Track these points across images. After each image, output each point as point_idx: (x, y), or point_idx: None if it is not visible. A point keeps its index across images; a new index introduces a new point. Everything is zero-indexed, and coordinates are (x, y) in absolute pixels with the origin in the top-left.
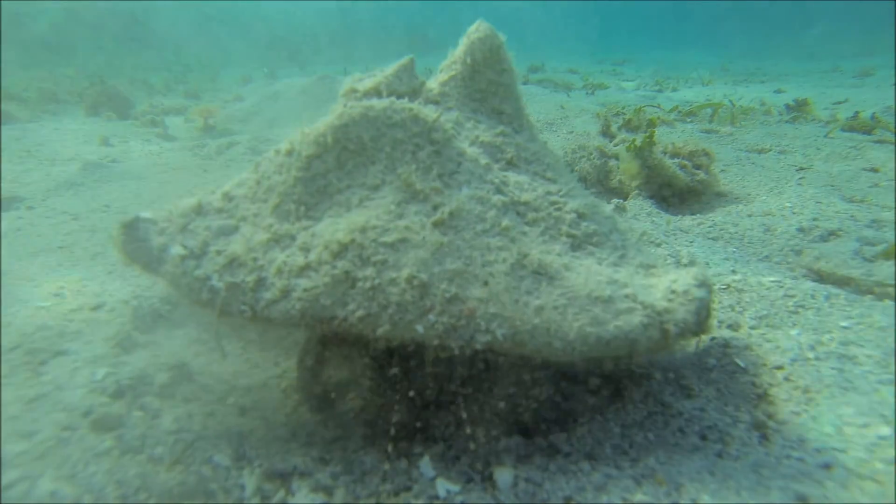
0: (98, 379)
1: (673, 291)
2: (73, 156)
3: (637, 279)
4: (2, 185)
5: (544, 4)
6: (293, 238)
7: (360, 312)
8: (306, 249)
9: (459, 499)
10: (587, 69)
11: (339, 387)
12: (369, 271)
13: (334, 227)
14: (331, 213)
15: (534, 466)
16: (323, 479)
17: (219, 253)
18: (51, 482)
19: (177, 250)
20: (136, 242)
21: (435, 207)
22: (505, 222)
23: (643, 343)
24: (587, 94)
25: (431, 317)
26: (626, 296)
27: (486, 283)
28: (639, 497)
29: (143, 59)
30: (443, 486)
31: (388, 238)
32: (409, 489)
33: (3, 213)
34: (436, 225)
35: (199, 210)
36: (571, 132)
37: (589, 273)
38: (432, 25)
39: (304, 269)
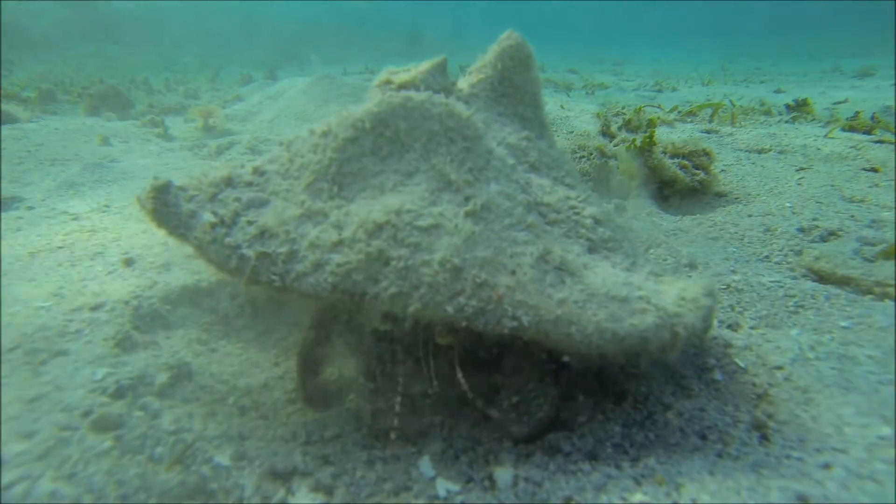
0: (98, 379)
1: (683, 298)
2: (73, 156)
3: (649, 284)
4: (2, 185)
5: (545, 4)
6: (326, 215)
7: (392, 290)
8: (339, 227)
9: (459, 499)
10: (587, 69)
11: (338, 387)
12: (403, 251)
13: (369, 208)
14: (364, 195)
15: (534, 466)
16: (323, 479)
17: (250, 223)
18: (51, 482)
19: (207, 217)
20: (165, 207)
21: (467, 198)
22: (530, 219)
23: (654, 343)
24: (587, 94)
25: (462, 299)
26: (641, 297)
27: (513, 273)
28: (639, 497)
29: (143, 59)
30: (443, 486)
31: (423, 223)
32: (409, 489)
33: (3, 213)
34: (468, 214)
35: (230, 182)
36: (571, 132)
37: (606, 274)
38: (430, 25)
39: (337, 245)
